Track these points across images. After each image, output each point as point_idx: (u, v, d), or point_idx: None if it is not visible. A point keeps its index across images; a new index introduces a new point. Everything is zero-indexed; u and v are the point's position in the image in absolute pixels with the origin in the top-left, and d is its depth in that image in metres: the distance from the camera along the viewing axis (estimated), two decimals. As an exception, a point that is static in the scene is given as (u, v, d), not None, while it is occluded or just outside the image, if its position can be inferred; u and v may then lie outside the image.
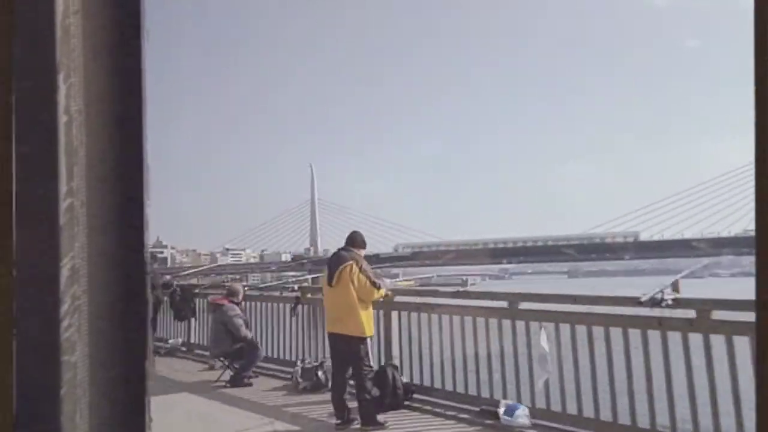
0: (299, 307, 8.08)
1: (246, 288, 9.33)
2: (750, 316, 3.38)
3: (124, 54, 0.78)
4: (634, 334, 5.01)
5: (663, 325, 4.79)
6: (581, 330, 5.29)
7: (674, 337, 4.80)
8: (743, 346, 4.26)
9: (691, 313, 4.69)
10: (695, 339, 4.65)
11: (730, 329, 4.35)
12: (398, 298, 7.16)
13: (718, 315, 4.55)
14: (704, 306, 4.60)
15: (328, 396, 6.23)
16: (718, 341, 4.50)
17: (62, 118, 0.76)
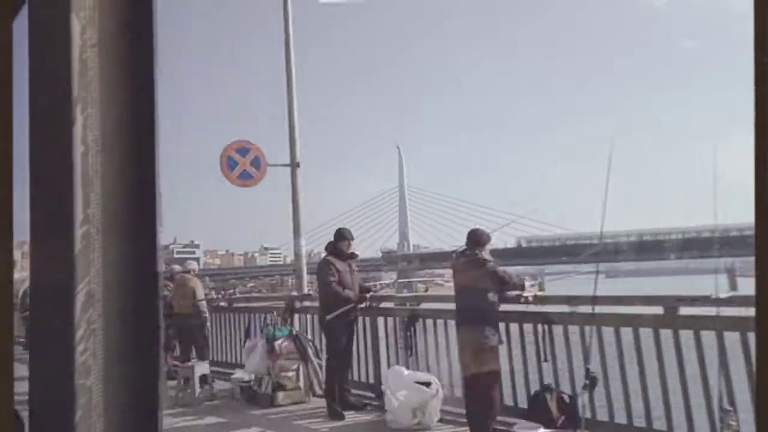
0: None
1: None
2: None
3: (138, 87, 0.84)
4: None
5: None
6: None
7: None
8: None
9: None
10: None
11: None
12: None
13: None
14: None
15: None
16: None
17: (79, 148, 0.84)
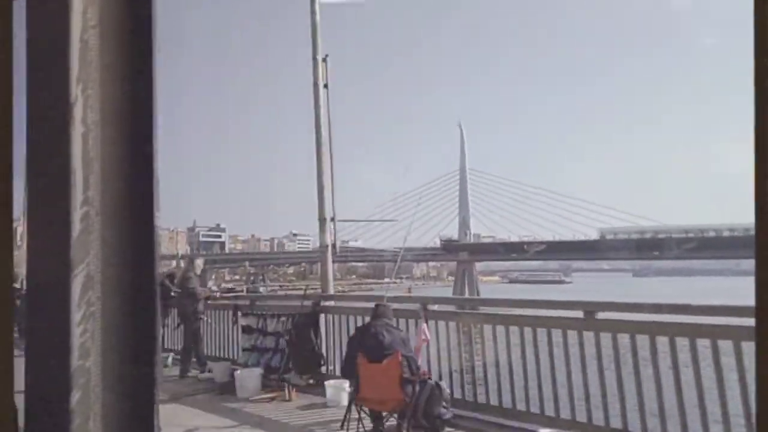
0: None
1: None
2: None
3: (137, 67, 0.86)
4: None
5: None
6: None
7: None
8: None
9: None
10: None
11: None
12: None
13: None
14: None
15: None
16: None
17: (80, 129, 0.87)
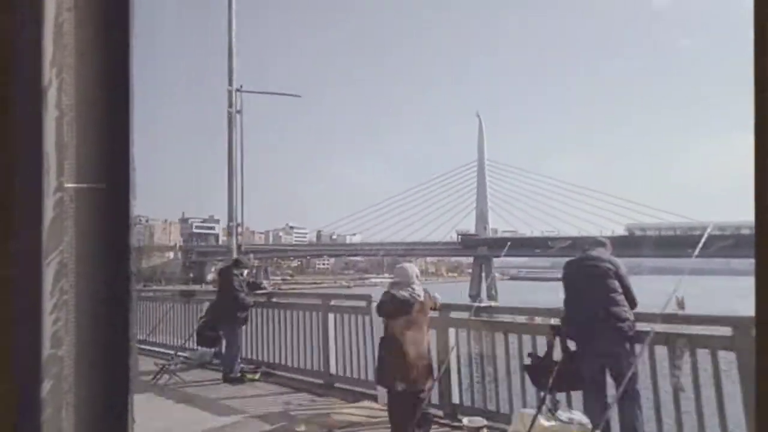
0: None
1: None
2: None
3: (114, 52, 0.86)
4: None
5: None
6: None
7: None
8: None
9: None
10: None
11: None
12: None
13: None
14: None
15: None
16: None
17: (53, 113, 0.86)
